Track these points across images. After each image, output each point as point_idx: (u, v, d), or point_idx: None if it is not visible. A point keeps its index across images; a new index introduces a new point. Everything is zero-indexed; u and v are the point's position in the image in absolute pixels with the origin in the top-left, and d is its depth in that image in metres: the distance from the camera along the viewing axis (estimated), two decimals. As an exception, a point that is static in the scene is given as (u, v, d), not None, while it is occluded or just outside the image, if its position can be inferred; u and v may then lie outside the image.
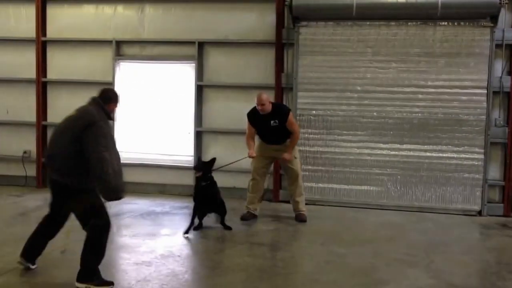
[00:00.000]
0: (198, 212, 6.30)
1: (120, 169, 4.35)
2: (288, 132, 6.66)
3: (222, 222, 6.37)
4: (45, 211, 7.14)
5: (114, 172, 4.25)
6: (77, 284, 4.38)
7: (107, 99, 4.69)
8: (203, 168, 6.39)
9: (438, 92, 7.57)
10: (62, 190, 4.48)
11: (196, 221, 6.29)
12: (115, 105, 4.77)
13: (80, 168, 4.31)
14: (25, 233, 5.95)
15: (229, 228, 6.29)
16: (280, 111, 6.66)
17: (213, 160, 6.50)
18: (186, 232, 6.08)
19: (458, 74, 7.52)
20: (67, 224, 6.31)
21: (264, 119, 6.60)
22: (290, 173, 6.88)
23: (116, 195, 4.39)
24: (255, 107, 6.66)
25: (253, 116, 6.71)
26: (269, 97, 6.81)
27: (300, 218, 6.79)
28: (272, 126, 6.60)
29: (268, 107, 6.56)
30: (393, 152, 7.69)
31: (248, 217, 6.81)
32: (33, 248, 4.80)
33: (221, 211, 6.42)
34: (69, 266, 4.94)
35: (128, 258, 5.34)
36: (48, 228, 4.84)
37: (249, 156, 6.68)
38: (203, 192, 6.28)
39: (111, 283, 4.48)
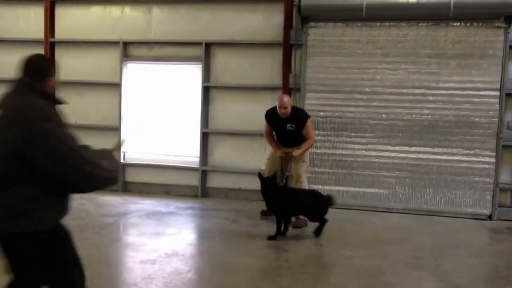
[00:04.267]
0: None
1: (100, 165, 2.83)
2: (302, 138, 6.60)
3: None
4: None
5: (104, 178, 2.86)
6: None
7: (42, 73, 2.90)
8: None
9: (449, 94, 7.46)
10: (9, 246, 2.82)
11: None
12: (54, 76, 2.98)
13: (29, 199, 2.70)
14: None
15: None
16: (299, 116, 6.58)
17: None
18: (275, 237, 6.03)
19: (470, 76, 7.40)
20: (74, 223, 6.44)
21: (281, 121, 6.56)
22: (293, 175, 6.81)
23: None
24: (274, 107, 6.62)
25: (271, 116, 6.69)
26: (290, 100, 6.73)
27: (294, 224, 6.55)
28: (287, 130, 6.55)
29: (289, 111, 6.52)
30: (401, 155, 7.59)
31: (267, 213, 6.76)
32: None
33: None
34: None
35: (134, 256, 5.39)
36: None
37: (280, 157, 6.61)
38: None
39: None
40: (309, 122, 6.62)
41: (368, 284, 4.72)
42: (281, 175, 6.92)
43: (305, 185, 6.71)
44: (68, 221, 6.72)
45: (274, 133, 6.84)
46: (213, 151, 8.29)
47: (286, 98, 6.58)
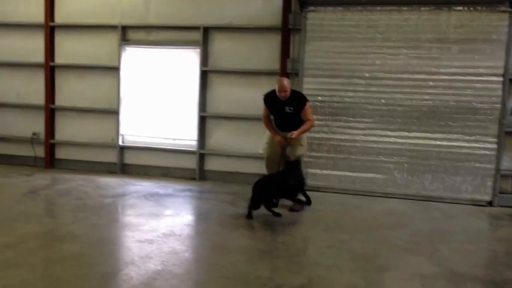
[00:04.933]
0: None
1: None
2: (301, 121, 6.54)
3: None
4: (53, 189, 7.49)
5: None
6: None
7: None
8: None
9: (451, 79, 7.39)
10: None
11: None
12: None
13: None
14: (35, 210, 6.43)
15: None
16: (298, 99, 6.53)
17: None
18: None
19: (473, 61, 7.31)
20: (74, 203, 6.61)
21: (280, 104, 6.51)
22: (290, 159, 6.67)
23: None
24: (273, 91, 6.57)
25: (270, 99, 6.63)
26: (290, 83, 6.64)
27: (291, 208, 6.56)
28: (286, 112, 6.50)
29: (289, 94, 6.47)
30: (400, 140, 7.56)
31: None
32: None
33: None
34: (73, 241, 5.17)
35: (131, 236, 5.44)
36: None
37: (278, 142, 6.55)
38: None
39: None
40: (307, 106, 6.58)
41: (363, 268, 4.71)
42: (281, 159, 6.89)
43: (301, 169, 6.69)
44: (68, 201, 6.92)
45: (272, 118, 6.80)
46: (210, 134, 8.29)
47: (285, 81, 6.53)
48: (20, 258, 4.60)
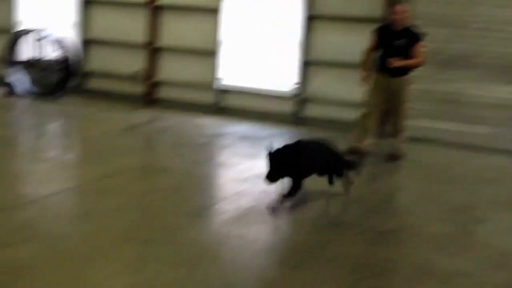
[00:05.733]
0: None
1: None
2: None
3: None
4: (152, 126, 7.74)
5: None
6: None
7: None
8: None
9: None
10: None
11: None
12: None
13: None
14: (133, 144, 6.67)
15: None
16: (412, 33, 6.17)
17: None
18: None
19: None
20: (171, 140, 6.82)
21: (391, 36, 6.20)
22: (395, 100, 6.34)
23: None
24: (386, 23, 6.39)
25: (382, 30, 6.36)
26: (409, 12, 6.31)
27: (389, 157, 6.37)
28: (395, 46, 6.14)
29: (404, 21, 6.16)
30: (510, 95, 7.14)
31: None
32: None
33: None
34: (169, 174, 5.31)
35: (226, 174, 5.66)
36: None
37: (363, 80, 6.30)
38: None
39: None
40: (421, 44, 6.14)
41: (456, 218, 4.63)
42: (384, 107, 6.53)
43: (403, 140, 6.44)
44: (165, 138, 7.07)
45: (376, 57, 6.43)
46: (311, 81, 8.19)
47: (405, 7, 6.30)
48: (117, 187, 4.77)
